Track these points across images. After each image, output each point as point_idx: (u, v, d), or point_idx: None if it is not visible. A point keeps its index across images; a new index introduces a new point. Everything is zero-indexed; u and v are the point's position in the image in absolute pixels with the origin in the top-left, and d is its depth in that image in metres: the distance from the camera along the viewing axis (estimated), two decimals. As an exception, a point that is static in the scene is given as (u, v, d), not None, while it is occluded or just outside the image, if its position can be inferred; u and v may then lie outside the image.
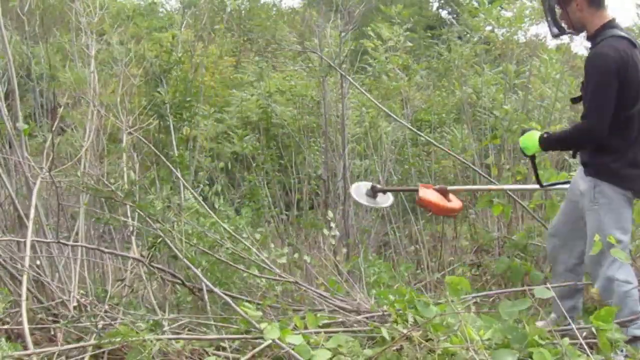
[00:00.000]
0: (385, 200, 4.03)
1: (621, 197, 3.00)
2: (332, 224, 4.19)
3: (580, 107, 3.17)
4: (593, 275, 3.12)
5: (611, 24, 3.01)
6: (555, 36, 3.28)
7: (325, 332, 2.61)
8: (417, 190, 3.75)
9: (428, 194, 3.68)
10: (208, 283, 3.36)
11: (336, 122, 6.25)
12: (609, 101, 2.88)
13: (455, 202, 3.76)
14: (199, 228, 3.78)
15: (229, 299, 3.08)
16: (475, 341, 2.24)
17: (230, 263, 3.65)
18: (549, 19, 3.21)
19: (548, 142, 3.15)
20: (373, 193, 3.94)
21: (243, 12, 11.19)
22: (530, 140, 3.19)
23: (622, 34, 3.00)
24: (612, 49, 2.91)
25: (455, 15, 9.16)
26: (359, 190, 3.96)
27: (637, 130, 3.00)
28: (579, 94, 3.17)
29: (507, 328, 2.38)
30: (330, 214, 4.31)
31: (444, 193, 3.73)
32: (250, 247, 3.83)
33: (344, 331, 2.66)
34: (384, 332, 2.43)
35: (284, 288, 3.71)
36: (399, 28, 6.71)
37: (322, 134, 6.28)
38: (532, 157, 3.32)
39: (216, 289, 3.28)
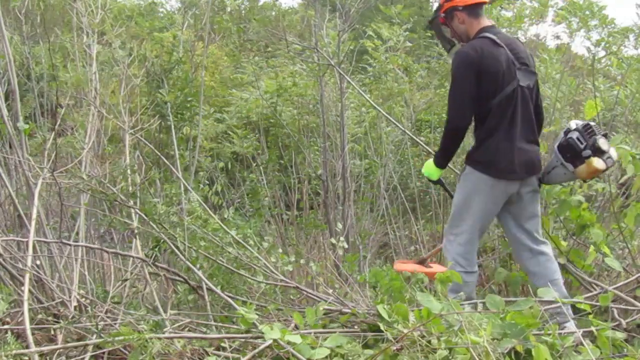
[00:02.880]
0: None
1: (483, 182, 3.19)
2: (342, 238, 4.33)
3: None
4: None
5: (485, 30, 3.28)
6: (449, 51, 3.57)
7: (323, 332, 2.61)
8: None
9: (404, 267, 3.53)
10: (210, 284, 3.35)
11: (335, 122, 6.24)
12: (465, 93, 3.13)
13: (437, 267, 3.68)
14: (201, 232, 3.77)
15: (230, 300, 3.08)
16: (478, 341, 2.23)
17: (233, 269, 3.65)
18: (440, 38, 3.57)
19: (438, 158, 3.36)
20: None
21: (243, 12, 11.19)
22: (429, 166, 3.41)
23: (488, 34, 3.23)
24: (468, 47, 3.21)
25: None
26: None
27: (497, 121, 3.18)
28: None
29: (506, 324, 2.38)
30: (339, 225, 4.42)
31: (422, 263, 3.73)
32: (255, 253, 3.83)
33: (342, 332, 2.65)
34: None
35: (284, 295, 3.72)
36: (399, 28, 6.71)
37: (321, 134, 6.27)
38: (440, 182, 3.50)
39: (217, 290, 3.29)
